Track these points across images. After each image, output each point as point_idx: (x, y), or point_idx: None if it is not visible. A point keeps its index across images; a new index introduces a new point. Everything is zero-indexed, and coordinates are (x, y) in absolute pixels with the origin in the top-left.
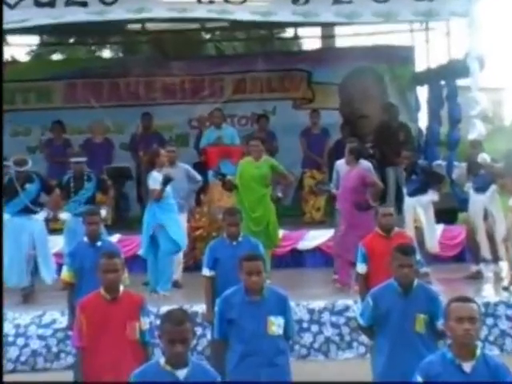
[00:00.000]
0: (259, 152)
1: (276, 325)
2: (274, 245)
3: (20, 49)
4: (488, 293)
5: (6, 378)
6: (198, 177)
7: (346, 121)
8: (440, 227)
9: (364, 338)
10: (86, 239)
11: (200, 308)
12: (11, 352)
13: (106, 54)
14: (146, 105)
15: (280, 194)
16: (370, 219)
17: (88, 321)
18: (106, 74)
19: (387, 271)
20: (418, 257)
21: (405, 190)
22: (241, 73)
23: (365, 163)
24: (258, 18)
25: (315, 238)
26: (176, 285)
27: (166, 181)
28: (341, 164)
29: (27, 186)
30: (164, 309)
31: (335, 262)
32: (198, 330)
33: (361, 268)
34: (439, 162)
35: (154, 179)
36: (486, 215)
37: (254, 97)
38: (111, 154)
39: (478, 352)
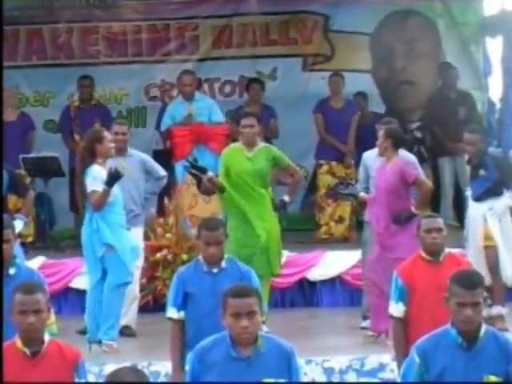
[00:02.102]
0: (254, 136)
1: None
2: (273, 272)
3: None
4: None
5: None
6: (161, 171)
7: (380, 88)
8: None
9: None
10: None
11: (163, 366)
12: None
13: None
14: (83, 64)
15: (287, 198)
16: (412, 235)
17: None
18: (23, 19)
19: (437, 313)
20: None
21: (469, 192)
22: (224, 17)
23: (407, 154)
24: None
25: (334, 263)
26: (127, 332)
27: (113, 177)
28: (371, 156)
29: None
30: (109, 368)
31: (364, 298)
32: None
33: (396, 309)
34: None
35: (94, 177)
36: None
37: (244, 52)
38: (30, 138)
39: None
